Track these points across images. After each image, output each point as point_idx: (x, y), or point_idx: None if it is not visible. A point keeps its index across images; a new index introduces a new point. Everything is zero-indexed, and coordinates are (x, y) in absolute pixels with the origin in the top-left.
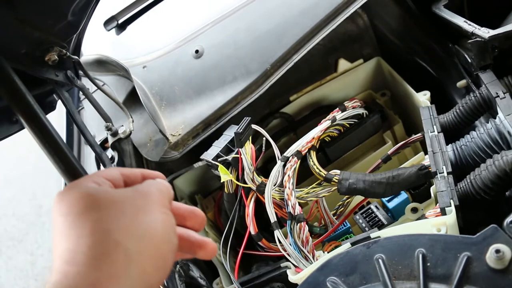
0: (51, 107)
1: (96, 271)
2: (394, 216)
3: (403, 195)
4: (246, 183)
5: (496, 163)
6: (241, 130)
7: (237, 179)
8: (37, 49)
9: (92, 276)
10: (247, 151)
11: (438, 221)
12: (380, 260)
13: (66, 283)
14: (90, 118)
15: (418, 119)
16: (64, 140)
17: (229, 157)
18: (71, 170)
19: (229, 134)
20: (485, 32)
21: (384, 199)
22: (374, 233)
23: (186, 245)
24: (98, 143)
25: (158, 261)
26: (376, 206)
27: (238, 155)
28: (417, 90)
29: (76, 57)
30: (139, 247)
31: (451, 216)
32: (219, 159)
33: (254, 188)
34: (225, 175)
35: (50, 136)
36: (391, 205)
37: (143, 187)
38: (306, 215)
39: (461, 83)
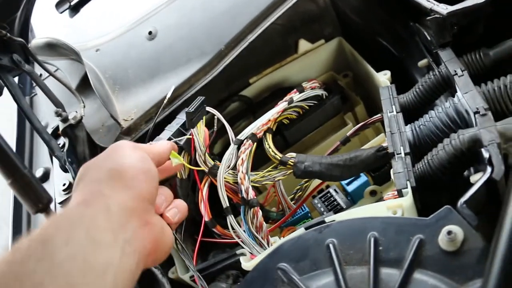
0: None
1: (80, 197)
2: (354, 199)
3: (363, 178)
4: (198, 166)
5: (452, 143)
6: (193, 110)
7: (190, 164)
8: None
9: (78, 199)
10: (200, 132)
11: (393, 204)
12: (331, 245)
13: (60, 210)
14: (43, 105)
15: (379, 100)
16: (15, 129)
17: (181, 142)
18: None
19: (181, 118)
20: (443, 9)
21: (344, 182)
22: (329, 217)
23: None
24: (51, 130)
25: (137, 175)
26: (335, 190)
27: (191, 137)
28: (379, 71)
29: (21, 39)
30: (108, 175)
31: (408, 198)
32: None
33: (206, 170)
34: (176, 160)
35: None
36: (350, 188)
37: (116, 143)
38: (263, 200)
39: (422, 63)
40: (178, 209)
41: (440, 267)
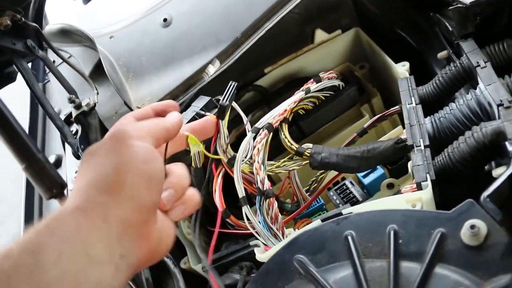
0: (10, 78)
1: (78, 200)
2: (370, 192)
3: (380, 171)
4: (217, 154)
5: (474, 135)
6: (227, 102)
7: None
8: None
9: (76, 203)
10: (225, 122)
11: (413, 197)
12: (349, 237)
13: (57, 211)
14: (56, 92)
15: (397, 91)
16: (28, 115)
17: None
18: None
19: (197, 105)
20: None
21: (360, 175)
22: (346, 209)
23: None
24: (63, 117)
25: (140, 179)
26: (351, 182)
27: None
28: (397, 62)
29: (35, 24)
30: (106, 182)
31: (427, 191)
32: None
33: (225, 160)
34: (195, 146)
35: None
36: (366, 180)
37: (120, 128)
38: (278, 191)
39: (442, 54)
40: (186, 205)
41: (462, 262)
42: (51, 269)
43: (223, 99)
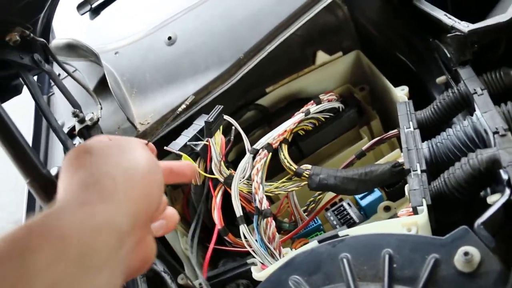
0: (16, 91)
1: (86, 193)
2: (367, 214)
3: (377, 193)
4: (214, 174)
5: (470, 162)
6: (212, 119)
7: (205, 171)
8: None
9: (82, 197)
10: (217, 141)
11: (408, 221)
12: (344, 260)
13: (58, 204)
14: (60, 105)
15: (396, 114)
16: (32, 127)
17: (198, 147)
18: (23, 157)
19: (199, 124)
20: (464, 26)
21: (357, 197)
22: (343, 231)
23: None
24: (67, 130)
25: (145, 189)
26: (348, 204)
27: (208, 144)
28: (397, 86)
29: (43, 40)
30: (125, 176)
31: (423, 216)
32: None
33: (221, 180)
34: None
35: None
36: (364, 202)
37: (124, 137)
38: (276, 211)
39: (440, 79)
40: (167, 220)
41: None
42: (43, 277)
43: (208, 117)
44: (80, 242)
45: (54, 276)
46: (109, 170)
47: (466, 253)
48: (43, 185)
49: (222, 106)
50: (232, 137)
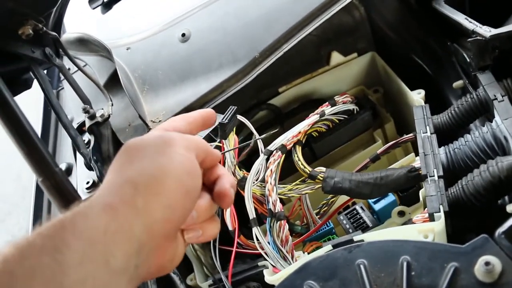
0: (26, 85)
1: (111, 196)
2: (380, 218)
3: (391, 197)
4: None
5: (490, 169)
6: (227, 121)
7: None
8: (10, 21)
9: (108, 200)
10: (231, 143)
11: (425, 227)
12: (361, 266)
13: (89, 203)
14: (69, 100)
15: (410, 118)
16: (41, 122)
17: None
18: (36, 156)
19: None
20: (486, 31)
21: (371, 201)
22: (357, 236)
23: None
24: (76, 126)
25: (168, 200)
26: (361, 207)
27: (221, 146)
28: (412, 89)
29: (55, 34)
30: (148, 184)
31: (440, 223)
32: None
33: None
34: None
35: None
36: (377, 207)
37: (169, 134)
38: (288, 213)
39: (457, 84)
40: (204, 231)
41: None
42: (73, 274)
43: (222, 118)
44: (104, 245)
45: (84, 273)
46: (134, 175)
47: (487, 263)
48: (55, 184)
49: (236, 107)
50: (252, 143)
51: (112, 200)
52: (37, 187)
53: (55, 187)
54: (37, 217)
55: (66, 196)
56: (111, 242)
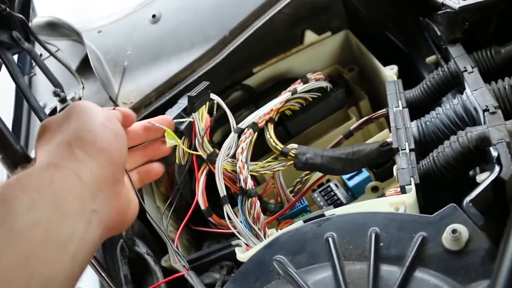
0: None
1: (49, 158)
2: (354, 195)
3: (365, 173)
4: (197, 151)
5: (459, 140)
6: (196, 94)
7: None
8: None
9: (47, 161)
10: (201, 117)
11: (396, 200)
12: (330, 239)
13: (30, 168)
14: (42, 87)
15: (384, 95)
16: (13, 107)
17: (182, 126)
18: None
19: (183, 102)
20: (455, 3)
21: (345, 177)
22: (329, 211)
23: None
24: (48, 112)
25: (101, 143)
26: (335, 184)
27: (192, 121)
28: (386, 65)
29: (21, 16)
30: (78, 138)
31: (411, 195)
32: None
33: (204, 156)
34: (172, 140)
35: None
36: (351, 183)
37: (78, 102)
38: (262, 191)
39: (430, 59)
40: (140, 174)
41: (442, 267)
42: (23, 218)
43: (192, 91)
44: (52, 192)
45: (35, 217)
46: (63, 137)
47: (454, 231)
48: (15, 161)
49: (208, 82)
50: (214, 112)
51: (52, 160)
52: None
53: (16, 165)
54: None
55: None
56: (59, 189)
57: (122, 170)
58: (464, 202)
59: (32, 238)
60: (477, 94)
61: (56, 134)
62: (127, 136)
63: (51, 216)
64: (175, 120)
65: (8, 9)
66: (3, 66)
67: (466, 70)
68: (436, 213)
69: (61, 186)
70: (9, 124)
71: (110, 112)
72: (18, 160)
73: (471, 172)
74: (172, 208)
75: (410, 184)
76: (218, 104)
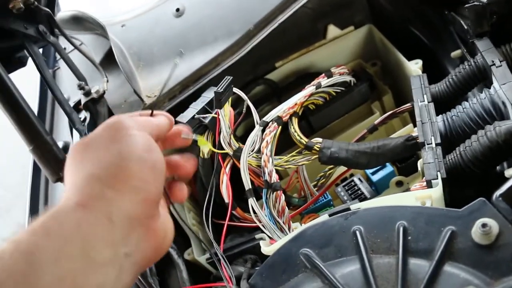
0: (21, 63)
1: (78, 195)
2: (378, 190)
3: (389, 168)
4: (222, 148)
5: (488, 134)
6: (222, 90)
7: (214, 144)
8: None
9: (75, 199)
10: (226, 113)
11: (423, 194)
12: (357, 232)
13: (54, 208)
14: (66, 80)
15: (408, 90)
16: (37, 100)
17: (206, 120)
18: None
19: (207, 96)
20: None
21: (369, 172)
22: (354, 205)
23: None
24: (72, 105)
25: (137, 181)
26: (359, 179)
27: (216, 117)
28: (410, 60)
29: (47, 9)
30: (111, 172)
31: (437, 189)
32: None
33: (231, 153)
34: (205, 146)
35: (6, 89)
36: (375, 178)
37: (116, 118)
38: (285, 186)
39: (455, 53)
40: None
41: (472, 261)
42: (47, 274)
43: (218, 87)
44: (80, 239)
45: (61, 271)
46: (94, 169)
47: (484, 225)
48: (46, 152)
49: (232, 77)
50: (245, 109)
51: (80, 198)
52: (34, 168)
53: (46, 156)
54: (34, 209)
55: (58, 164)
56: (88, 236)
57: (157, 205)
58: (494, 196)
59: None
60: (505, 88)
61: (88, 162)
62: (163, 144)
63: (78, 267)
64: (197, 115)
65: (36, 2)
66: (30, 59)
67: (494, 64)
68: (464, 207)
69: (90, 231)
70: None
71: (151, 140)
72: (49, 151)
73: (498, 167)
74: (206, 202)
75: (437, 178)
76: (241, 98)
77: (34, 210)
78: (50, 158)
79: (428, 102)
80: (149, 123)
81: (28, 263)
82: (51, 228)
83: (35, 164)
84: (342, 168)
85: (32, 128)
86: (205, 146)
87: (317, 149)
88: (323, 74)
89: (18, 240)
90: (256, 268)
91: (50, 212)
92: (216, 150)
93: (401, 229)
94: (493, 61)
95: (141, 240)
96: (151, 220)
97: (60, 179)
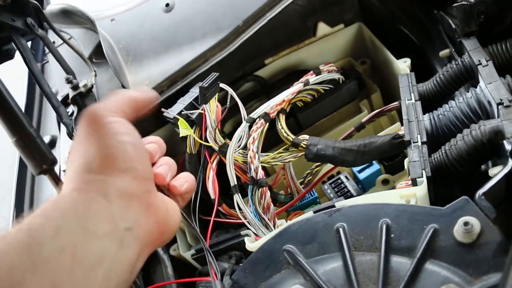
0: (8, 55)
1: (73, 183)
2: (365, 187)
3: (375, 166)
4: (208, 142)
5: (473, 133)
6: (207, 85)
7: (201, 139)
8: None
9: (71, 185)
10: (212, 108)
11: (407, 192)
12: (341, 229)
13: (50, 199)
14: (54, 74)
15: (397, 88)
16: (25, 94)
17: (193, 115)
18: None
19: (195, 91)
20: None
21: (355, 170)
22: (339, 203)
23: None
24: (60, 99)
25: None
26: (346, 177)
27: (203, 113)
28: (399, 59)
29: (36, 2)
30: (93, 160)
31: (422, 188)
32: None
33: (216, 148)
34: (185, 130)
35: None
36: (362, 176)
37: (88, 113)
38: (272, 182)
39: (444, 52)
40: (186, 179)
41: (453, 259)
42: (48, 244)
43: (203, 83)
44: (77, 216)
45: (61, 243)
46: (82, 161)
47: (466, 223)
48: (29, 144)
49: (218, 73)
50: (228, 104)
51: (74, 185)
52: (20, 162)
53: (29, 148)
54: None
55: (41, 156)
56: (85, 212)
57: (150, 182)
58: (477, 195)
59: (58, 266)
60: (491, 87)
61: (77, 156)
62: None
63: (77, 239)
64: (184, 111)
65: None
66: (17, 52)
67: (480, 64)
68: (448, 206)
69: (86, 209)
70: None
71: (126, 123)
72: (31, 144)
73: (483, 166)
74: (193, 198)
75: (422, 177)
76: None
77: (19, 205)
78: (33, 150)
79: (415, 101)
80: (120, 102)
81: (30, 236)
82: (48, 209)
83: (21, 159)
84: (329, 166)
85: (15, 120)
86: (185, 129)
87: (304, 146)
88: (312, 72)
89: (19, 223)
90: (241, 264)
91: (50, 200)
92: (200, 140)
93: (384, 226)
94: (479, 61)
95: (141, 215)
96: (147, 195)
97: (43, 171)
